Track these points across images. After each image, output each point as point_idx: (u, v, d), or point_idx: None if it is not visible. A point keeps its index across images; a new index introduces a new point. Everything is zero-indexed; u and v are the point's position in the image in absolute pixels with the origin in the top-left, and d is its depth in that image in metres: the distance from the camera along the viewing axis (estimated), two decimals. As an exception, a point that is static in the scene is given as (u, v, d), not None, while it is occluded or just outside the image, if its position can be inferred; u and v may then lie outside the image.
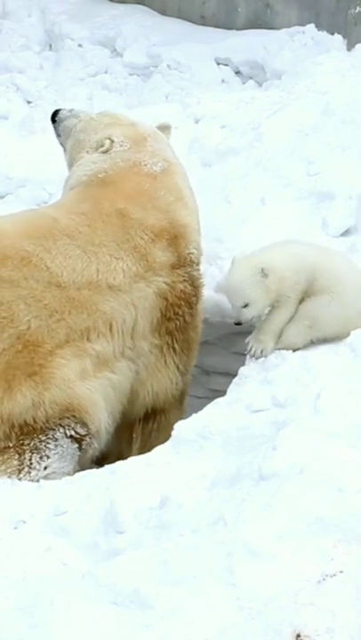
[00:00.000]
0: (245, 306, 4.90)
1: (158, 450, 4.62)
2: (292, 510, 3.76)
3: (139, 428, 5.42)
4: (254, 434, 4.45)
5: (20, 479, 4.83)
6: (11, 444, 4.86)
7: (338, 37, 9.08)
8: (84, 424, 4.94)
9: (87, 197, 5.35)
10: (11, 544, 4.23)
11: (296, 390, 4.58)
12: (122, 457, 4.98)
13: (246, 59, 9.33)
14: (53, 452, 4.90)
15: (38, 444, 4.87)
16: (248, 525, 3.74)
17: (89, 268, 5.05)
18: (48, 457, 4.89)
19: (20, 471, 4.85)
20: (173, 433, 4.64)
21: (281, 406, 4.54)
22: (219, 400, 4.85)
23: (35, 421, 4.86)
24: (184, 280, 5.28)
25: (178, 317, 5.26)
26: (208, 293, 5.62)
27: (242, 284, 4.89)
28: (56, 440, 4.90)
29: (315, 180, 6.26)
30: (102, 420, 5.04)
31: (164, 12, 10.22)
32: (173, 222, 5.34)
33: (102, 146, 5.58)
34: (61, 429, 4.89)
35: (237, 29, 9.80)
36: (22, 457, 4.86)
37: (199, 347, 5.55)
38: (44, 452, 4.88)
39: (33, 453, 4.87)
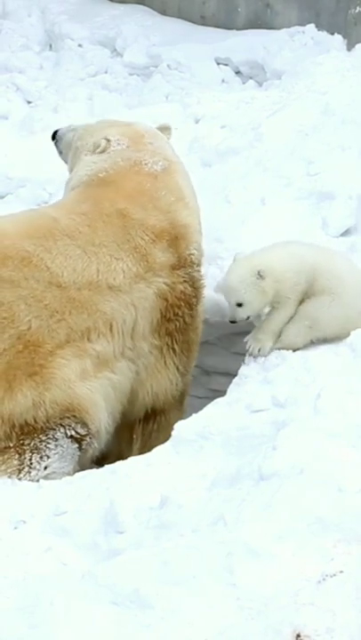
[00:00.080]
0: (240, 305, 4.93)
1: (158, 450, 4.63)
2: (292, 510, 3.76)
3: (139, 429, 5.42)
4: (254, 434, 4.45)
5: (20, 479, 4.83)
6: (11, 444, 4.86)
7: (338, 37, 9.07)
8: (84, 424, 4.94)
9: (88, 197, 5.35)
10: (11, 544, 4.23)
11: (296, 390, 4.58)
12: (122, 457, 4.98)
13: (246, 59, 9.32)
14: (54, 451, 4.90)
15: (38, 444, 4.87)
16: (248, 525, 3.75)
17: (89, 268, 5.05)
18: (48, 457, 4.89)
19: (20, 471, 4.85)
20: (173, 433, 4.64)
21: (281, 406, 4.54)
22: (219, 400, 4.85)
23: (35, 421, 4.86)
24: (184, 281, 5.28)
25: (178, 318, 5.26)
26: (208, 293, 5.62)
27: (238, 284, 4.93)
28: (56, 440, 4.90)
29: (315, 180, 6.27)
30: (102, 420, 5.04)
31: (164, 12, 10.21)
32: (174, 223, 5.34)
33: (99, 146, 5.59)
34: (62, 429, 4.90)
35: (237, 29, 9.79)
36: (22, 457, 4.86)
37: (199, 347, 5.55)
38: (45, 451, 4.88)
39: (33, 453, 4.87)
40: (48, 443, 4.89)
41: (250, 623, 3.44)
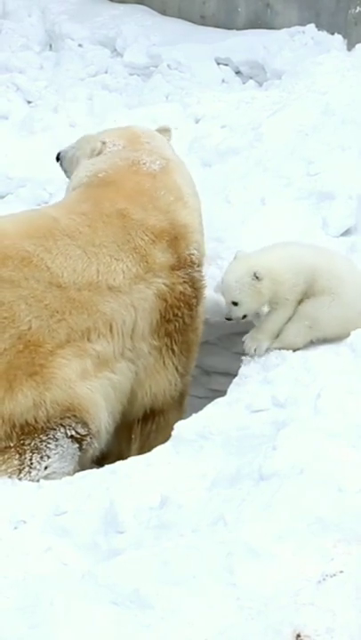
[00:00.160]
0: (236, 304, 4.95)
1: (158, 450, 4.63)
2: (293, 510, 3.76)
3: (137, 429, 5.42)
4: (254, 434, 4.45)
5: (20, 479, 4.84)
6: (11, 444, 4.86)
7: (338, 37, 9.06)
8: (84, 424, 4.94)
9: (88, 197, 5.36)
10: (11, 544, 4.23)
11: (296, 390, 4.58)
12: (122, 457, 4.99)
13: (246, 59, 9.31)
14: (54, 451, 4.90)
15: (39, 444, 4.88)
16: (248, 525, 3.75)
17: (89, 268, 5.05)
18: (48, 457, 4.89)
19: (20, 471, 4.85)
20: (173, 433, 4.65)
21: (281, 406, 4.54)
22: (219, 400, 4.86)
23: (36, 421, 4.86)
24: (184, 282, 5.28)
25: (177, 319, 5.26)
26: (209, 293, 5.62)
27: (234, 284, 4.95)
28: (57, 440, 4.90)
29: (315, 180, 6.27)
30: (103, 419, 5.04)
31: (164, 12, 10.20)
32: (174, 223, 5.34)
33: (95, 150, 5.61)
34: (62, 429, 4.90)
35: (237, 29, 9.77)
36: (23, 457, 4.86)
37: (199, 347, 5.55)
38: (45, 451, 4.89)
39: (33, 453, 4.87)
40: (48, 443, 4.89)
41: (250, 623, 3.44)
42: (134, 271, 5.14)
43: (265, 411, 4.57)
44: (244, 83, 9.27)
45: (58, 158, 6.02)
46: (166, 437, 4.74)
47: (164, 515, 4.11)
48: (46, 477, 4.84)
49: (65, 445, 4.92)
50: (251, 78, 9.28)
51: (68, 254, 5.05)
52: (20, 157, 7.62)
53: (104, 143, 5.64)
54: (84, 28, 9.89)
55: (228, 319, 5.06)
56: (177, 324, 5.27)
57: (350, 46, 8.60)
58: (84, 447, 4.99)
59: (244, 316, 5.03)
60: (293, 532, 3.69)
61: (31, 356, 4.86)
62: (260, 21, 9.72)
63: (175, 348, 5.30)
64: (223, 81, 9.28)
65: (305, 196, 6.21)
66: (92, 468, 4.94)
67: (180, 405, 5.53)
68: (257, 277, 4.90)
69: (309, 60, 7.87)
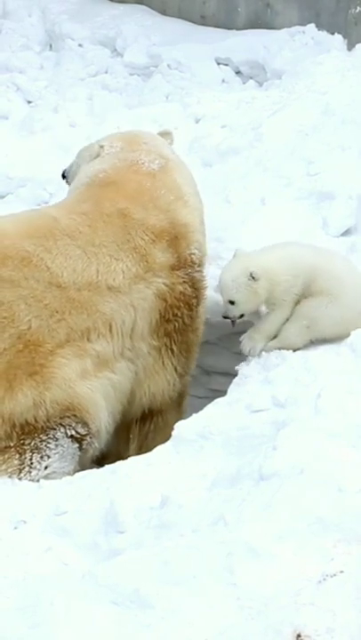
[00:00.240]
0: (232, 303, 4.96)
1: (158, 450, 4.63)
2: (293, 510, 3.77)
3: (136, 429, 5.42)
4: (254, 434, 4.45)
5: (20, 479, 4.84)
6: (12, 444, 4.86)
7: (338, 37, 9.05)
8: (84, 424, 4.94)
9: (89, 197, 5.36)
10: (11, 544, 4.23)
11: (296, 390, 4.58)
12: (121, 457, 4.99)
13: (246, 59, 9.30)
14: (54, 451, 4.90)
15: (39, 444, 4.88)
16: (248, 525, 3.75)
17: (89, 268, 5.05)
18: (49, 457, 4.89)
19: (20, 471, 4.85)
20: (174, 433, 4.65)
21: (281, 406, 4.54)
22: (219, 400, 4.86)
23: (36, 421, 4.86)
24: (184, 282, 5.28)
25: (177, 319, 5.26)
26: (209, 293, 5.62)
27: (230, 283, 4.97)
28: (57, 440, 4.90)
29: (315, 180, 6.27)
30: (103, 419, 5.05)
31: (164, 12, 10.20)
32: (174, 222, 5.34)
33: (93, 153, 5.63)
34: (62, 429, 4.90)
35: (238, 29, 9.76)
36: (23, 456, 4.86)
37: (200, 347, 5.55)
38: (45, 451, 4.89)
39: (34, 453, 4.87)
40: (48, 442, 4.89)
41: (250, 623, 3.44)
42: (134, 271, 5.14)
43: (265, 411, 4.57)
44: (244, 83, 9.26)
45: (64, 176, 6.03)
46: (165, 438, 4.74)
47: (165, 515, 4.11)
48: (46, 477, 4.84)
49: (65, 445, 4.92)
50: (251, 78, 9.28)
51: (67, 254, 5.05)
52: (20, 157, 7.63)
53: (102, 146, 5.66)
54: (84, 27, 9.88)
55: (226, 318, 5.07)
56: (176, 325, 5.27)
57: (350, 46, 8.59)
58: (84, 447, 4.99)
59: (242, 316, 5.04)
60: (294, 532, 3.69)
61: (31, 355, 4.86)
62: (260, 21, 9.71)
63: (174, 348, 5.30)
64: (223, 81, 9.27)
65: (305, 195, 6.21)
66: (92, 467, 4.94)
67: (179, 406, 5.52)
68: (253, 278, 4.91)
69: (309, 60, 7.87)
